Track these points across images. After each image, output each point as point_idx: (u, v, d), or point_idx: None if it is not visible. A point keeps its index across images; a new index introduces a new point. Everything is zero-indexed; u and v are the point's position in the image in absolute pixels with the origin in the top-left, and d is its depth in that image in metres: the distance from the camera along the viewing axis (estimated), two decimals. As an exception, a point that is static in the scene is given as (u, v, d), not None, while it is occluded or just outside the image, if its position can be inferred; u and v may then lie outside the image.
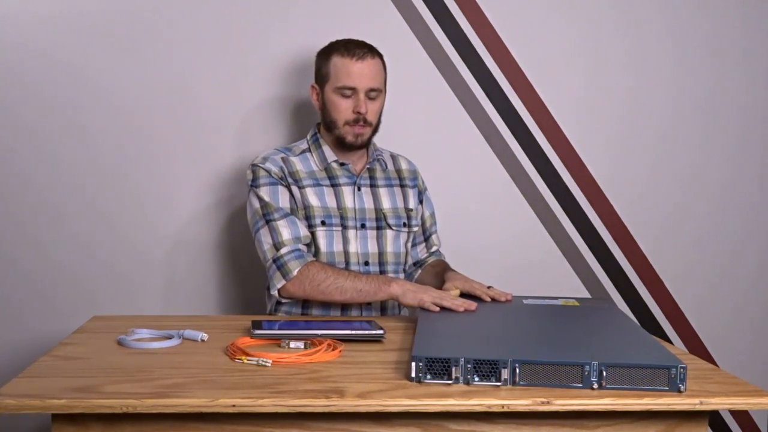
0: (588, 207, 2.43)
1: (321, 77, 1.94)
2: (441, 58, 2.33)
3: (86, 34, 2.17)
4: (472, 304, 1.69)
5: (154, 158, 2.23)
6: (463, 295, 1.79)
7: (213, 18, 2.22)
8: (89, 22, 2.17)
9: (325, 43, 1.98)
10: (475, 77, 2.35)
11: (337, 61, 1.90)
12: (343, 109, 1.90)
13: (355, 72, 1.88)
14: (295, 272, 1.80)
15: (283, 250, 1.82)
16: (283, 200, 1.88)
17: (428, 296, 1.72)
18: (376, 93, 1.92)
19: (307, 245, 1.88)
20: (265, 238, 1.85)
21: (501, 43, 2.35)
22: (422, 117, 2.33)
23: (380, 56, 1.94)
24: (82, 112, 2.19)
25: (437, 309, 1.68)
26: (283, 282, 1.81)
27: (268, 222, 1.85)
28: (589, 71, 2.40)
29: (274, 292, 1.84)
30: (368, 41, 1.95)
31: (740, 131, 2.49)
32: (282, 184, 1.90)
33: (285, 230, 1.84)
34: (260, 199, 1.88)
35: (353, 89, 1.88)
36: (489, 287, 1.82)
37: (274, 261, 1.83)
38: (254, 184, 1.90)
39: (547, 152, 2.40)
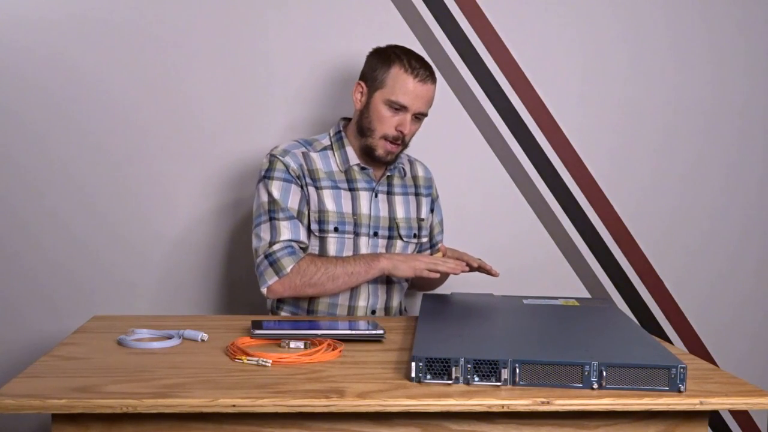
0: (588, 207, 2.43)
1: (373, 80, 1.87)
2: (441, 58, 2.33)
3: (86, 34, 2.17)
4: (465, 266, 1.75)
5: (155, 159, 2.23)
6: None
7: (213, 17, 2.22)
8: (89, 22, 2.17)
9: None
10: (475, 77, 2.35)
11: (399, 74, 1.83)
12: (387, 123, 1.85)
13: (413, 92, 1.83)
14: (288, 269, 1.77)
15: (276, 247, 1.79)
16: (293, 200, 1.84)
17: (421, 263, 1.75)
18: (422, 117, 1.89)
19: (303, 249, 1.84)
20: (263, 234, 1.82)
21: (501, 43, 2.35)
22: (422, 117, 2.34)
23: (436, 80, 1.90)
24: (82, 112, 2.19)
25: (436, 275, 1.73)
26: (275, 279, 1.77)
27: (271, 219, 1.82)
28: (590, 71, 2.40)
29: (264, 289, 1.80)
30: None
31: (741, 131, 2.49)
32: (296, 183, 1.85)
33: (286, 231, 1.81)
34: (269, 194, 1.83)
35: (404, 107, 1.84)
36: (478, 259, 1.87)
37: (266, 257, 1.79)
38: (267, 176, 1.85)
39: (547, 152, 2.40)
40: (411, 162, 2.08)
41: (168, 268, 2.26)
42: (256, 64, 2.25)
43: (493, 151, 2.38)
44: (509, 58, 2.36)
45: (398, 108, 1.84)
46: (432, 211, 2.09)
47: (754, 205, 2.51)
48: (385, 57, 1.87)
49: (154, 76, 2.21)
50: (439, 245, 1.94)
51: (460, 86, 2.34)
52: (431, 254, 2.09)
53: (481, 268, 1.86)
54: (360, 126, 1.90)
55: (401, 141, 1.87)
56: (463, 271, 1.79)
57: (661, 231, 2.47)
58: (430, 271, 1.77)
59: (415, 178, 2.06)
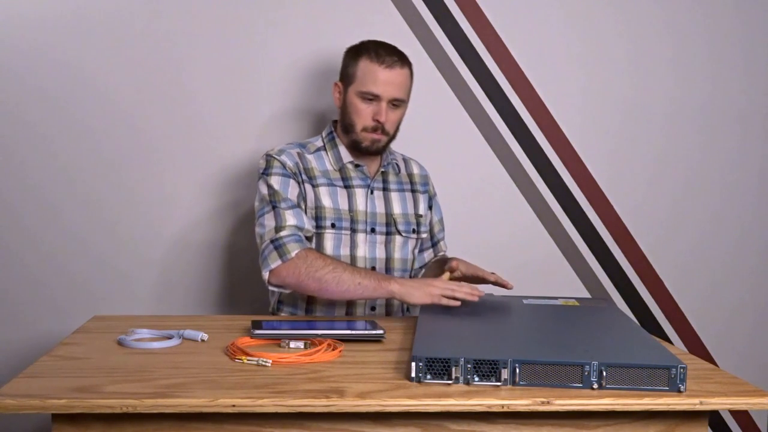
0: (588, 207, 2.43)
1: (346, 77, 1.90)
2: (441, 58, 2.33)
3: (87, 34, 2.17)
4: (481, 292, 1.67)
5: (155, 159, 2.23)
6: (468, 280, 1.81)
7: (214, 17, 2.22)
8: (89, 21, 2.17)
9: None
10: (475, 77, 2.35)
11: (365, 65, 1.86)
12: (363, 114, 1.87)
13: (382, 80, 1.84)
14: (293, 254, 1.72)
15: (283, 233, 1.77)
16: (293, 193, 1.84)
17: (437, 289, 1.65)
18: (399, 103, 1.89)
19: (308, 239, 1.84)
20: (267, 222, 1.80)
21: (501, 43, 2.35)
22: (422, 117, 2.32)
23: (409, 65, 1.90)
24: (83, 112, 2.19)
25: (456, 303, 1.64)
26: (279, 262, 1.73)
27: (274, 208, 1.81)
28: (590, 71, 2.40)
29: (266, 274, 1.75)
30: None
31: (741, 131, 2.49)
32: (294, 179, 1.86)
33: (290, 218, 1.79)
34: (269, 186, 1.83)
35: (377, 96, 1.85)
36: (492, 273, 1.84)
37: (272, 242, 1.76)
38: (266, 173, 1.86)
39: (547, 152, 2.40)
40: (405, 160, 2.09)
41: (168, 267, 2.26)
42: (256, 65, 2.25)
43: (493, 151, 2.38)
44: (509, 58, 2.36)
45: (371, 98, 1.86)
46: (430, 208, 2.09)
47: (754, 205, 2.51)
48: (354, 52, 1.91)
49: (154, 76, 2.21)
50: (452, 262, 1.87)
51: (460, 86, 2.34)
52: (434, 254, 2.09)
53: (497, 283, 1.83)
54: (343, 125, 1.93)
55: (381, 130, 1.88)
56: (479, 297, 1.68)
57: (661, 231, 2.47)
58: (447, 298, 1.66)
59: (410, 175, 2.06)
